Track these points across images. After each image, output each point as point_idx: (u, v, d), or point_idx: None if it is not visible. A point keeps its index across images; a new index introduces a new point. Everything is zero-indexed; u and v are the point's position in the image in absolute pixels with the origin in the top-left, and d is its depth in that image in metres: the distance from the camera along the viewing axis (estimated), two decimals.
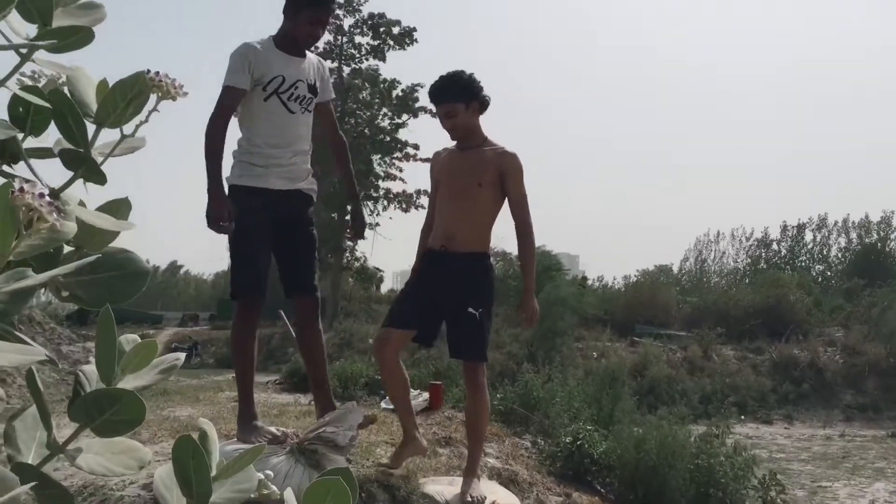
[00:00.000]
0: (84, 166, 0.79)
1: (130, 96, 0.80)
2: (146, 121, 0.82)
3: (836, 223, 45.32)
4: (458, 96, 3.78)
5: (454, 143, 3.97)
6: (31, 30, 0.76)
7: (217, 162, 3.43)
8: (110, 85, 0.80)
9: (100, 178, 0.80)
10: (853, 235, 44.60)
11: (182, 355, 0.95)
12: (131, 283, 0.81)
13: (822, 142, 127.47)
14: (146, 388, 0.89)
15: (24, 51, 0.75)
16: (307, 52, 3.77)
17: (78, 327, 23.47)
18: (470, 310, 3.72)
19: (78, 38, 0.76)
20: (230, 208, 3.45)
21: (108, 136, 0.83)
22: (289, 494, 1.01)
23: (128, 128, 0.82)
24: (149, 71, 0.81)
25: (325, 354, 3.96)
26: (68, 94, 0.79)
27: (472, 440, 3.99)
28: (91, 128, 0.81)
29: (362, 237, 4.07)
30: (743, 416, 19.79)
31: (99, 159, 0.81)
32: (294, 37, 3.62)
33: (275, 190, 3.58)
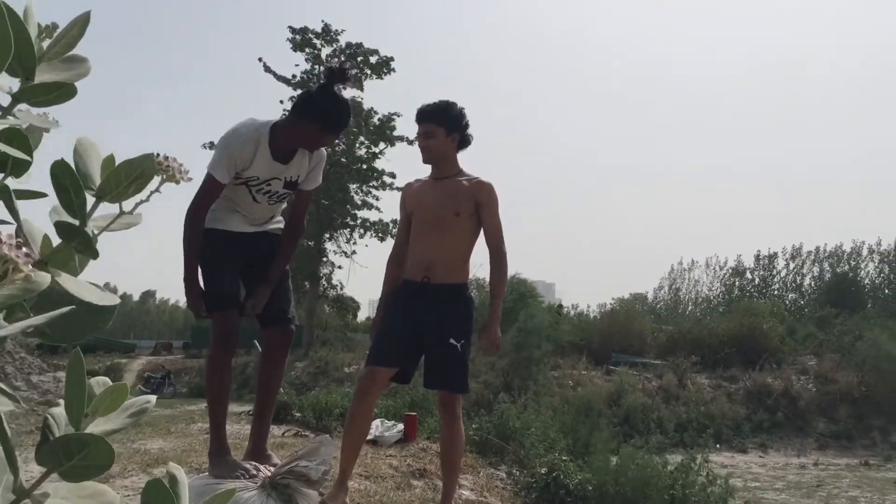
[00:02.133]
0: (78, 239, 0.79)
1: (134, 176, 0.80)
2: (147, 200, 0.83)
3: (808, 253, 45.96)
4: (442, 121, 3.80)
5: (428, 172, 3.97)
6: (14, 83, 0.77)
7: (194, 252, 3.38)
8: (117, 162, 0.81)
9: (92, 253, 0.81)
10: (826, 265, 45.21)
11: (153, 398, 0.95)
12: (97, 316, 0.81)
13: (798, 169, 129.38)
14: (116, 433, 0.89)
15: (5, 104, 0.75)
16: None
17: (49, 356, 23.13)
18: (451, 341, 3.71)
19: (61, 93, 0.77)
20: (206, 299, 3.45)
21: (107, 207, 0.83)
22: None
23: (127, 204, 0.83)
24: (158, 154, 0.82)
25: (277, 391, 3.87)
26: (73, 167, 0.79)
27: (446, 472, 3.96)
28: (90, 199, 0.81)
29: (249, 314, 3.69)
30: (718, 445, 19.84)
31: (94, 232, 0.81)
32: (286, 146, 3.47)
33: (239, 232, 3.56)
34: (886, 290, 43.60)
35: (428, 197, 3.89)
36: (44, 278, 0.66)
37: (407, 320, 3.78)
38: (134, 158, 0.80)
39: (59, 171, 0.79)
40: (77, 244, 0.79)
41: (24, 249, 0.63)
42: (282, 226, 3.80)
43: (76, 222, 0.80)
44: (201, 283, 3.53)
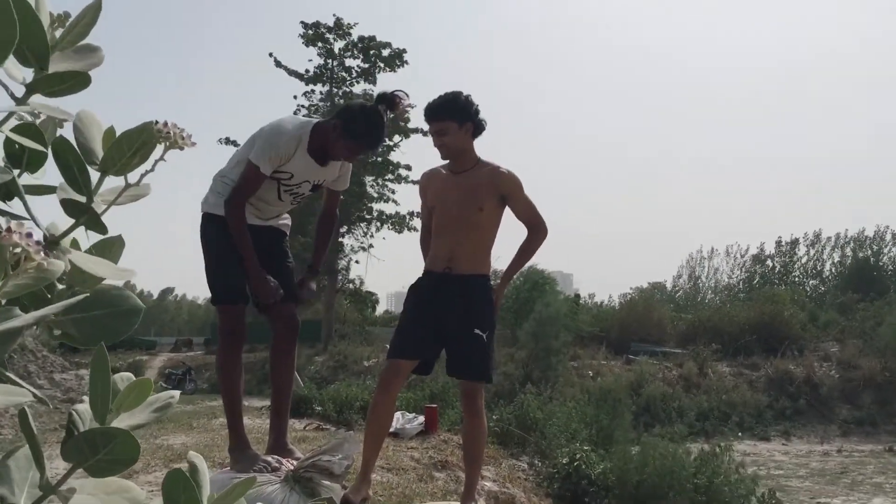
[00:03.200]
0: (85, 216, 0.78)
1: (136, 146, 0.79)
2: (152, 170, 0.82)
3: (828, 238, 45.58)
4: (452, 115, 3.77)
5: (446, 163, 3.94)
6: (28, 74, 0.76)
7: (249, 241, 3.41)
8: (117, 133, 0.80)
9: (101, 228, 0.80)
10: (847, 250, 44.81)
11: (177, 393, 0.94)
12: (124, 320, 0.80)
13: (820, 155, 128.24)
14: (140, 427, 0.88)
15: (19, 95, 0.74)
16: None
17: (71, 355, 23.29)
18: (477, 331, 3.70)
19: (74, 82, 0.76)
20: (275, 283, 3.48)
21: (113, 181, 0.82)
22: None
23: (132, 176, 0.82)
24: (157, 122, 0.80)
25: (290, 384, 3.86)
26: (73, 142, 0.78)
27: (469, 464, 3.95)
28: (95, 174, 0.80)
29: (302, 302, 3.86)
30: (740, 433, 19.75)
31: (101, 207, 0.80)
32: (323, 153, 3.55)
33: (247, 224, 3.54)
34: None
35: (450, 194, 3.84)
36: (57, 266, 0.65)
37: (428, 312, 3.77)
38: (134, 128, 0.79)
39: (61, 149, 0.78)
40: (85, 220, 0.78)
41: (34, 238, 0.62)
42: (288, 222, 3.82)
43: (83, 199, 0.79)
44: (213, 272, 3.57)
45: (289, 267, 3.78)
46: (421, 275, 3.96)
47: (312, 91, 29.53)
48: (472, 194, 3.78)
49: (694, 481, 6.59)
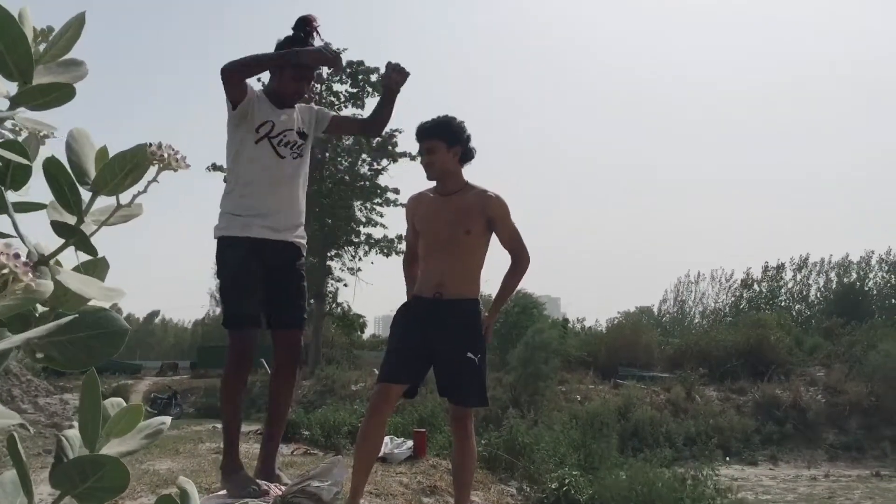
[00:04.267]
0: (75, 237, 0.78)
1: (129, 167, 0.79)
2: (144, 191, 0.82)
3: (815, 263, 45.87)
4: (442, 136, 3.82)
5: (433, 185, 3.96)
6: (12, 87, 0.76)
7: (260, 53, 3.60)
8: (110, 154, 0.80)
9: (90, 250, 0.80)
10: (832, 275, 45.11)
11: (168, 419, 0.94)
12: (109, 342, 0.79)
13: (808, 178, 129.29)
14: (131, 454, 0.88)
15: (3, 108, 0.74)
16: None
17: (55, 379, 23.05)
18: (469, 355, 3.69)
19: (59, 95, 0.76)
20: (225, 314, 3.56)
21: (105, 200, 0.82)
22: None
23: (124, 197, 0.82)
24: (150, 144, 0.81)
25: (288, 408, 3.87)
26: (65, 162, 0.79)
27: (458, 489, 3.93)
28: (86, 194, 0.81)
29: (400, 79, 3.83)
30: (728, 458, 19.72)
31: (92, 227, 0.80)
32: (280, 95, 3.67)
33: (259, 239, 3.53)
34: (894, 300, 43.43)
35: (437, 217, 3.86)
36: (46, 287, 0.65)
37: (419, 336, 3.76)
38: (127, 150, 0.80)
39: (52, 168, 0.78)
40: (75, 241, 0.78)
41: (22, 259, 0.61)
42: (303, 238, 3.79)
43: (73, 219, 0.79)
44: (226, 296, 3.62)
45: (302, 288, 3.77)
46: (409, 299, 3.95)
47: None
48: (459, 217, 3.79)
49: None
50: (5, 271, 0.61)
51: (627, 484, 6.72)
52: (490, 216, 3.81)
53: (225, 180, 3.76)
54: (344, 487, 3.44)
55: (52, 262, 0.77)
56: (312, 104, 3.95)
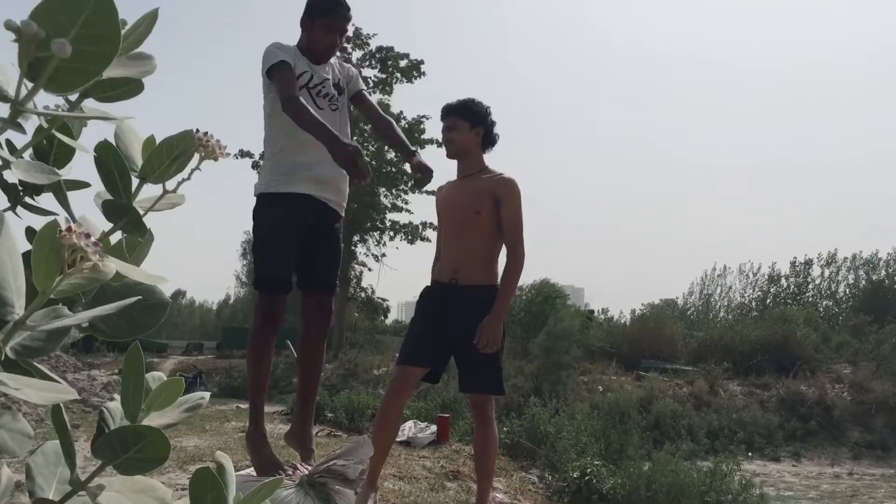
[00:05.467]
0: (126, 218, 0.79)
1: (176, 154, 0.81)
2: (188, 178, 0.83)
3: (843, 259, 45.37)
4: (465, 115, 3.83)
5: (454, 172, 3.97)
6: None
7: (316, 118, 3.26)
8: (157, 141, 0.81)
9: (141, 231, 0.81)
10: (861, 272, 44.60)
11: (207, 394, 0.95)
12: (152, 314, 0.81)
13: (836, 171, 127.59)
14: (171, 427, 0.88)
15: (73, 98, 0.75)
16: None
17: (83, 355, 23.41)
18: None
19: (128, 88, 0.77)
20: (256, 275, 3.49)
21: (148, 190, 0.83)
22: None
23: (170, 184, 0.83)
24: (197, 130, 0.81)
25: (320, 372, 3.79)
26: (116, 147, 0.80)
27: (481, 475, 3.93)
28: (134, 181, 0.82)
29: (429, 180, 3.69)
30: (750, 453, 19.59)
31: (140, 213, 0.81)
32: (313, 49, 3.63)
33: (301, 194, 3.46)
34: None
35: (452, 198, 3.89)
36: (109, 268, 0.65)
37: (436, 320, 3.77)
38: (174, 136, 0.80)
39: (104, 153, 0.79)
40: (125, 224, 0.79)
41: (91, 238, 0.62)
42: (343, 202, 3.73)
43: (123, 202, 0.80)
44: (260, 258, 3.53)
45: (338, 253, 3.74)
46: (430, 283, 3.96)
47: None
48: (471, 198, 3.79)
49: (705, 500, 6.55)
50: (75, 250, 0.62)
51: (650, 475, 6.70)
52: (498, 196, 3.76)
53: (264, 147, 3.66)
54: (367, 467, 3.45)
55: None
56: (350, 66, 3.91)
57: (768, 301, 44.15)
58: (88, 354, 25.12)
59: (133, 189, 0.81)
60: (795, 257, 46.38)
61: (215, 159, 0.84)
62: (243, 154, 28.20)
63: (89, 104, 0.76)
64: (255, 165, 28.58)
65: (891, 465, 19.84)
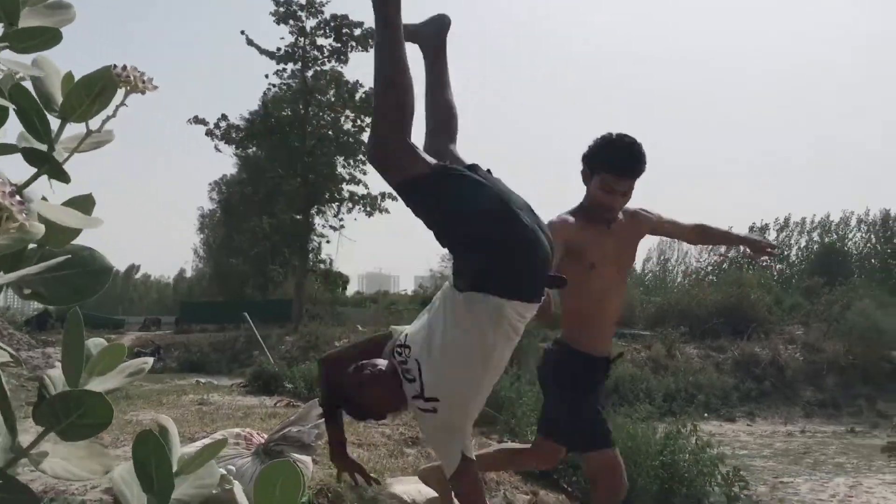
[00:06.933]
0: (48, 164, 0.77)
1: (97, 91, 0.78)
2: (114, 115, 0.81)
3: (796, 223, 46.17)
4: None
5: (571, 213, 3.35)
6: None
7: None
8: (76, 79, 0.79)
9: (63, 178, 0.79)
10: (814, 235, 45.46)
11: (150, 359, 0.95)
12: (94, 279, 0.80)
13: (791, 143, 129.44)
14: (113, 392, 0.88)
15: None
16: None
17: (37, 332, 23.02)
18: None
19: (44, 38, 0.75)
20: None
21: (76, 129, 0.81)
22: (238, 490, 1.00)
23: (94, 123, 0.81)
24: (115, 66, 0.79)
25: None
26: (31, 90, 0.77)
27: None
28: (56, 122, 0.79)
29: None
30: (706, 414, 20.01)
31: (64, 155, 0.79)
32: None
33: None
34: (873, 260, 43.86)
35: (609, 252, 3.30)
36: (38, 228, 0.65)
37: (595, 403, 3.47)
38: (92, 73, 0.78)
39: (18, 95, 0.77)
40: (47, 169, 0.77)
41: (17, 197, 0.61)
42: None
43: (44, 147, 0.78)
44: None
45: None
46: (572, 353, 3.46)
47: (284, 70, 29.22)
48: (627, 250, 3.43)
49: (660, 458, 6.69)
50: (1, 210, 0.61)
51: None
52: (651, 226, 3.52)
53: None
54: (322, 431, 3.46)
55: (39, 197, 0.77)
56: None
57: (725, 266, 44.78)
58: (42, 332, 24.71)
59: (55, 131, 0.79)
60: (753, 223, 47.10)
61: (141, 93, 0.82)
62: (197, 121, 27.79)
63: (6, 55, 0.74)
64: (208, 133, 28.20)
65: (841, 422, 20.41)
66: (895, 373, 22.75)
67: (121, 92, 0.80)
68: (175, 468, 0.85)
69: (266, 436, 3.38)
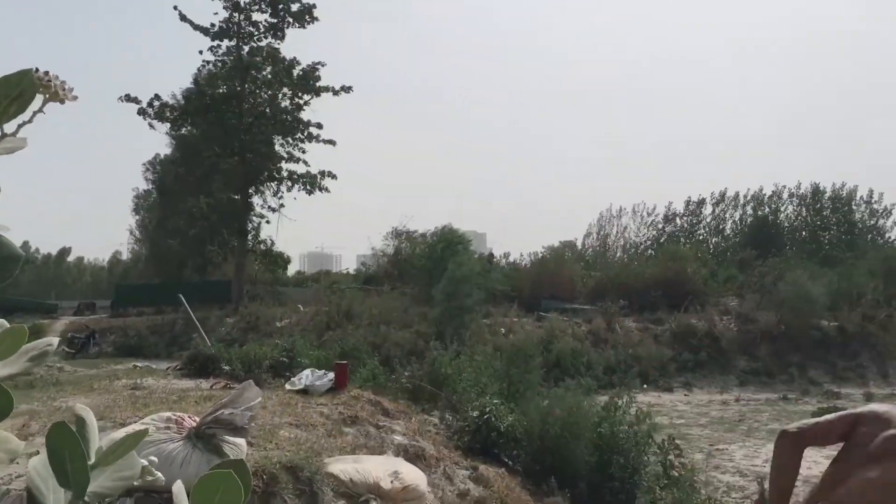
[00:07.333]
0: None
1: (14, 94, 0.75)
2: (30, 121, 0.78)
3: (731, 198, 47.12)
4: None
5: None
6: None
7: None
8: None
9: None
10: (748, 209, 46.48)
11: (55, 339, 0.91)
12: (2, 267, 0.77)
13: (728, 118, 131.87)
14: (15, 377, 0.85)
15: None
16: None
17: None
18: None
19: None
20: None
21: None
22: (178, 488, 0.98)
23: (9, 126, 0.78)
24: (37, 70, 0.76)
25: None
26: None
27: None
28: None
29: None
30: (645, 385, 20.44)
31: None
32: None
33: None
34: (804, 232, 45.10)
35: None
36: None
37: None
38: (12, 75, 0.75)
39: None
40: None
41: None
42: None
43: None
44: None
45: None
46: None
47: (218, 46, 28.59)
48: None
49: (598, 430, 6.81)
50: None
51: (547, 411, 6.90)
52: None
53: None
54: (256, 412, 3.43)
55: None
56: None
57: (662, 240, 45.56)
58: None
59: None
60: (689, 197, 47.92)
61: (61, 102, 0.79)
62: (129, 99, 27.16)
63: None
64: (141, 112, 27.58)
65: (774, 389, 21.08)
66: (825, 340, 23.57)
67: (39, 98, 0.77)
68: (92, 460, 0.82)
69: (198, 419, 3.33)
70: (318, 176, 29.11)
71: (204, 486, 0.73)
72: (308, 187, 29.32)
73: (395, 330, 21.99)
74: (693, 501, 6.50)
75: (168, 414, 3.36)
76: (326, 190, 29.35)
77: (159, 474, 1.01)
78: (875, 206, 45.72)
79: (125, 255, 53.19)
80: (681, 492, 6.64)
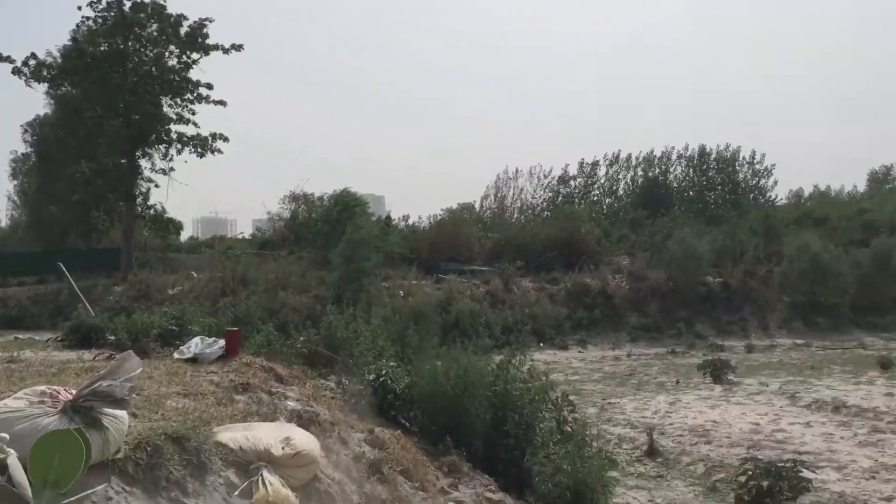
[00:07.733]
0: None
1: None
2: None
3: (624, 160, 48.24)
4: None
5: None
6: None
7: None
8: None
9: None
10: (640, 170, 47.72)
11: None
12: None
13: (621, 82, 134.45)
14: None
15: None
16: None
17: None
18: None
19: None
20: None
21: None
22: (13, 460, 0.87)
23: None
24: None
25: None
26: None
27: None
28: None
29: None
30: (542, 344, 20.92)
31: None
32: None
33: None
34: (691, 192, 46.69)
35: None
36: None
37: None
38: None
39: None
40: None
41: None
42: None
43: None
44: None
45: None
46: None
47: (99, 1, 27.12)
48: None
49: (493, 388, 6.87)
50: None
51: (443, 371, 6.91)
52: None
53: None
54: (137, 383, 3.27)
55: None
56: None
57: (559, 201, 46.31)
58: None
59: None
60: (583, 158, 48.75)
61: None
62: (2, 59, 25.76)
63: None
64: (15, 71, 26.17)
65: (663, 344, 21.94)
66: (710, 296, 24.63)
67: None
68: None
69: (75, 392, 3.14)
70: (209, 138, 28.27)
71: (43, 446, 0.64)
72: (199, 150, 28.45)
73: (293, 295, 21.71)
74: (585, 454, 6.65)
75: (43, 388, 3.15)
76: (219, 152, 28.57)
77: (10, 450, 0.90)
78: (757, 166, 47.76)
79: (2, 222, 50.43)
80: (573, 446, 6.78)
